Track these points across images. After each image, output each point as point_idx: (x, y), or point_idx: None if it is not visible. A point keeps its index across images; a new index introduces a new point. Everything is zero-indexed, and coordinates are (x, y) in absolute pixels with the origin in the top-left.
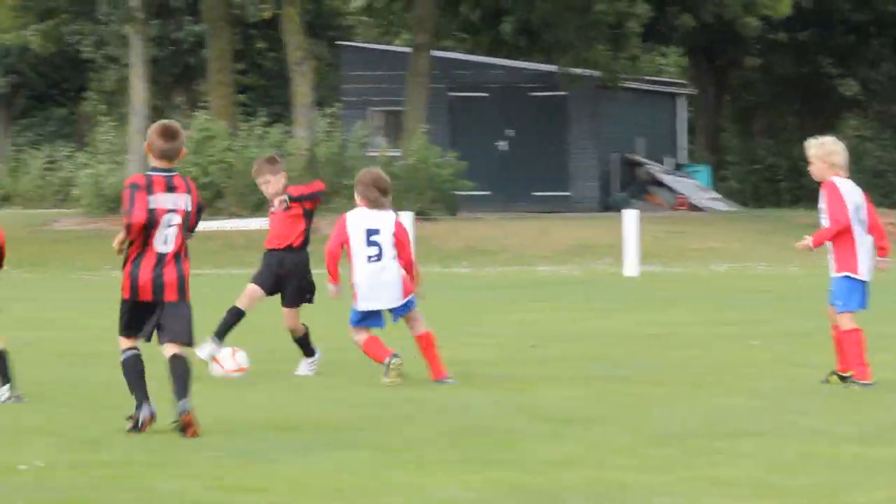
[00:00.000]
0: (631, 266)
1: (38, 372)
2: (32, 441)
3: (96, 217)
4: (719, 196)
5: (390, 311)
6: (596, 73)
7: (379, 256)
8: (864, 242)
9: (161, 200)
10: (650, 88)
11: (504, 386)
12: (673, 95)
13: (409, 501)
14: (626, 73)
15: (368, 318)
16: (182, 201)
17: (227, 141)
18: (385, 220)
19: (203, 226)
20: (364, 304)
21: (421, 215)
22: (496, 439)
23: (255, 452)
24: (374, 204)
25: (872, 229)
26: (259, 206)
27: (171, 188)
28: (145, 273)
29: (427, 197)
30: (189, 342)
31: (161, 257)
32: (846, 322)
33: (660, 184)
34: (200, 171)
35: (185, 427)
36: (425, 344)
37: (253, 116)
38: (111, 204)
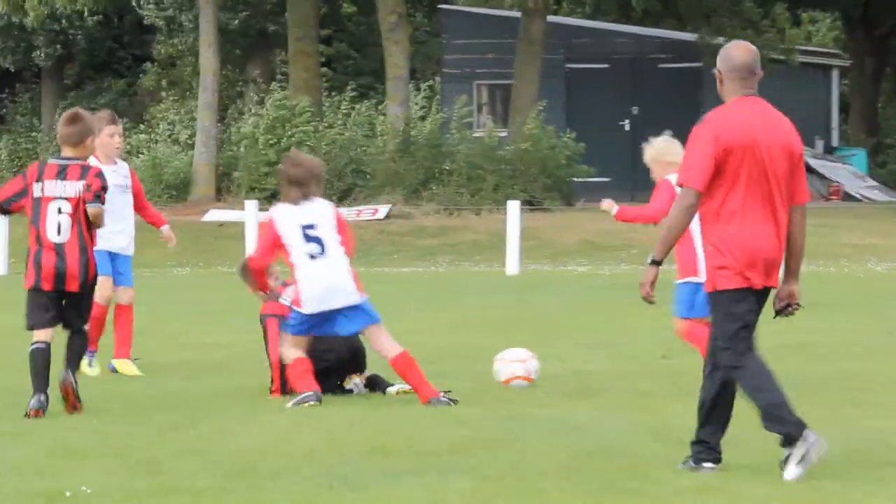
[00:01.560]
0: None
1: (92, 384)
2: (83, 464)
3: (156, 207)
4: (877, 184)
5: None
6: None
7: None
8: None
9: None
10: (798, 60)
11: (630, 403)
12: (824, 68)
13: None
14: (773, 44)
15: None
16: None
17: (310, 119)
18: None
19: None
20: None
21: (531, 205)
22: (620, 464)
23: (338, 478)
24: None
25: None
26: (346, 194)
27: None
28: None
29: (539, 184)
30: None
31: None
32: None
33: (809, 170)
34: (276, 154)
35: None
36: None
37: (339, 91)
38: (175, 191)
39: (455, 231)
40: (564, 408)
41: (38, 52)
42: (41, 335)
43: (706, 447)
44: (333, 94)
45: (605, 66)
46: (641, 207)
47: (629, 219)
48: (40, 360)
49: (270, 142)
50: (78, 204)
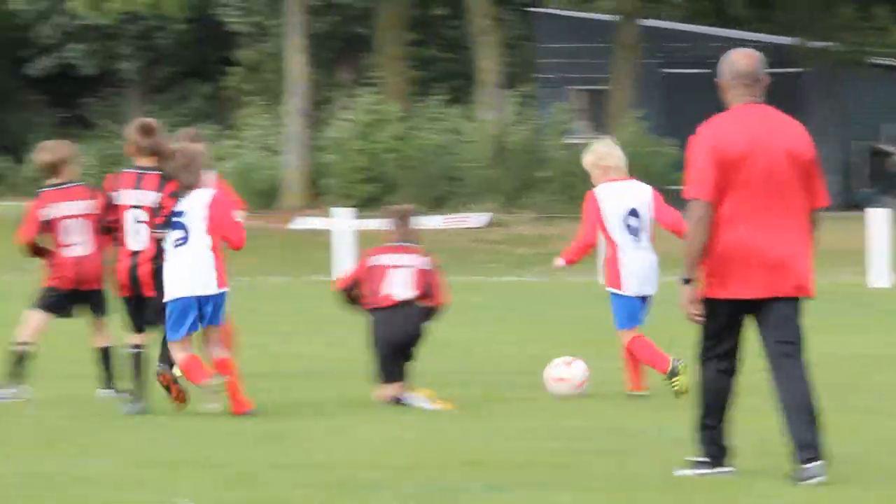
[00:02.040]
0: (879, 276)
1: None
2: (175, 475)
3: (247, 215)
4: None
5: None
6: (837, 45)
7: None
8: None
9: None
10: None
11: (738, 415)
12: None
13: None
14: (872, 47)
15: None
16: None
17: (400, 124)
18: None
19: (373, 224)
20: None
21: None
22: (727, 480)
23: (435, 492)
24: None
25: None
26: (440, 200)
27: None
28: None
29: None
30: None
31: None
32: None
33: None
34: (368, 160)
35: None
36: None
37: (429, 95)
38: (264, 199)
39: (552, 240)
40: (665, 420)
41: (125, 61)
42: (134, 338)
43: (805, 446)
44: (424, 98)
45: (705, 70)
46: (576, 242)
47: (575, 258)
48: (134, 366)
49: (361, 147)
50: (153, 214)
